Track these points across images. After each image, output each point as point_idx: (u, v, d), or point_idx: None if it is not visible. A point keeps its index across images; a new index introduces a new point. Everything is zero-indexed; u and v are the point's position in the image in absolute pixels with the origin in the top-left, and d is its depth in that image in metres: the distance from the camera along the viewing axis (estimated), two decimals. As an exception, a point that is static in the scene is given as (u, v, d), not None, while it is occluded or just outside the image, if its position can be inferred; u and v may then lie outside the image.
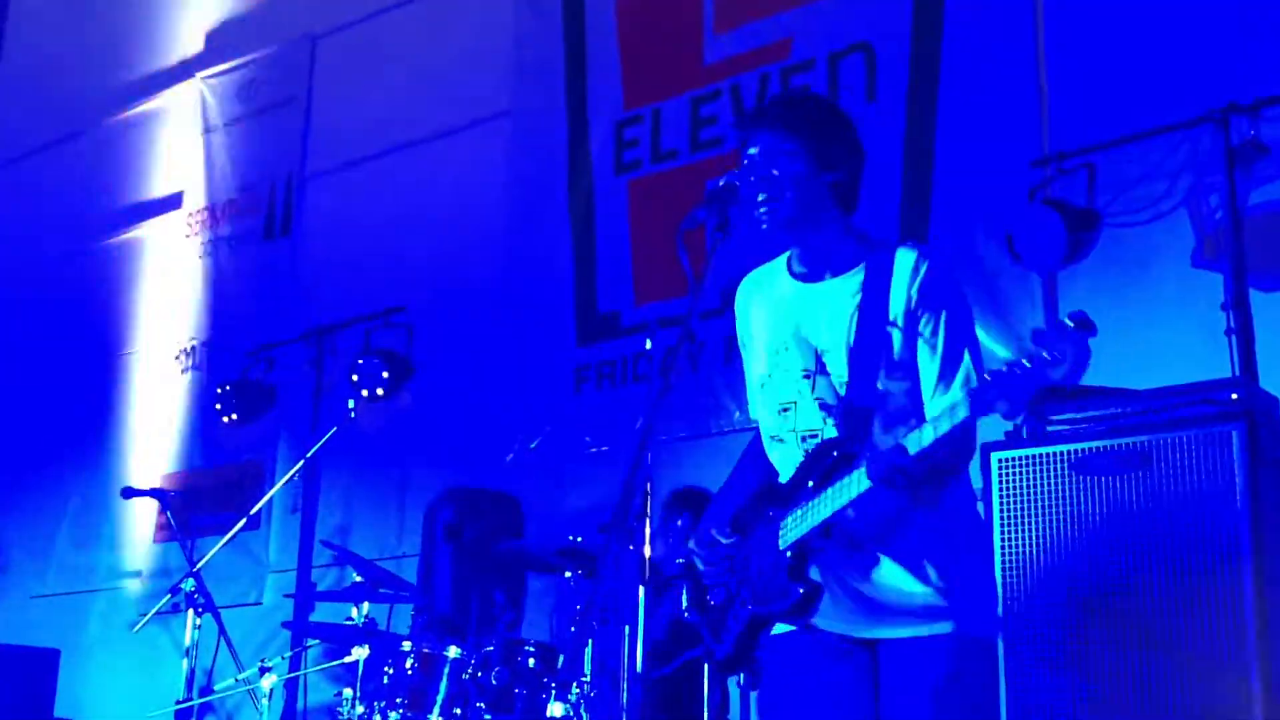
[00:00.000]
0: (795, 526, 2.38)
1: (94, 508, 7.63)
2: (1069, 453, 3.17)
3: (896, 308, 2.39)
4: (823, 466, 2.37)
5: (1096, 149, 4.48)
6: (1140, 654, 2.94)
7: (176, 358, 7.51)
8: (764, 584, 2.41)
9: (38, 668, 5.76)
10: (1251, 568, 2.86)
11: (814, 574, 2.36)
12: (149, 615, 4.75)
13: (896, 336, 2.38)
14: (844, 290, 2.46)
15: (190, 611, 4.71)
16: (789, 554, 2.36)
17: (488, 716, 4.04)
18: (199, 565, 4.77)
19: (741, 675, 3.18)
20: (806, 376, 2.47)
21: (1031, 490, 3.18)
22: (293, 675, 5.03)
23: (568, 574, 3.97)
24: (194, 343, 7.43)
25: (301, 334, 6.64)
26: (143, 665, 7.15)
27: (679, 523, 4.73)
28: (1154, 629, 2.94)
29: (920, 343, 2.37)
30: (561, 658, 4.03)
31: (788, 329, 2.51)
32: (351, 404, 4.85)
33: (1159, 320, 4.24)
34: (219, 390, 6.80)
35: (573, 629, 3.93)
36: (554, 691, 3.96)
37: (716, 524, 2.54)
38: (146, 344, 7.79)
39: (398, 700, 4.14)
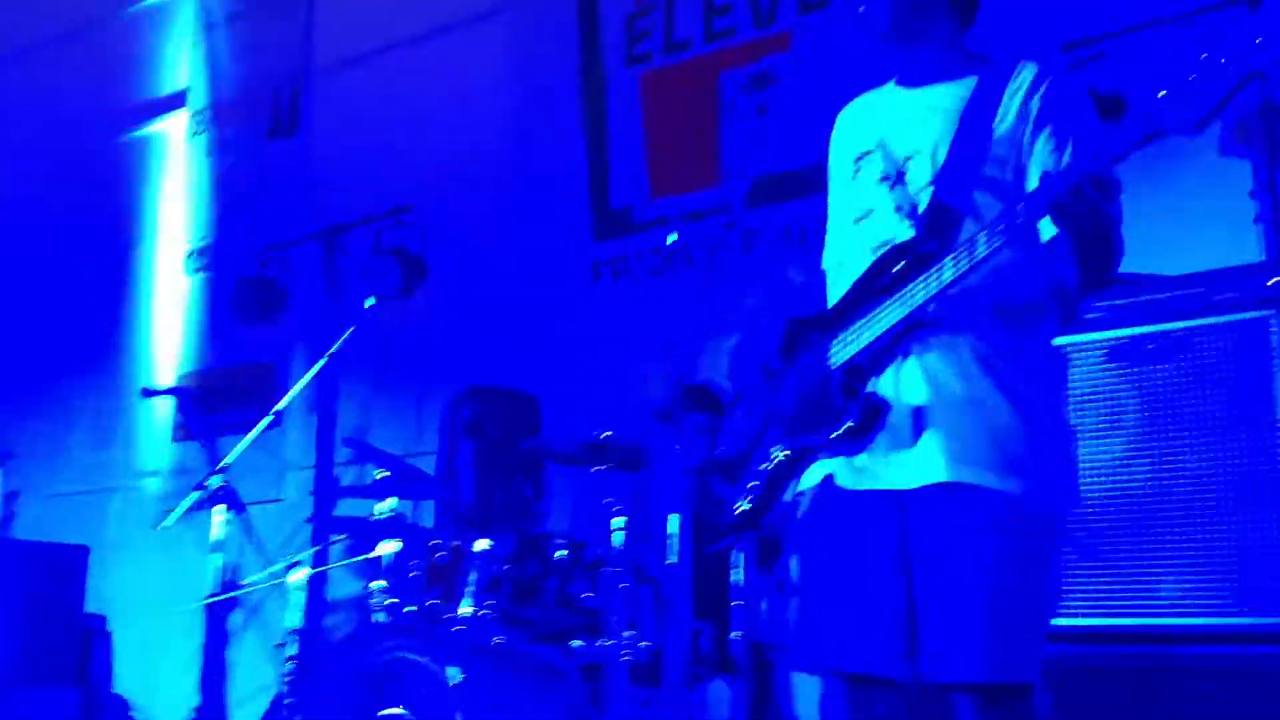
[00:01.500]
0: (853, 340, 2.22)
1: (110, 407, 7.67)
2: (1103, 341, 3.17)
3: (1007, 120, 2.20)
4: (893, 270, 2.20)
5: (1123, 33, 4.42)
6: (1179, 541, 2.96)
7: (187, 258, 7.49)
8: (809, 411, 2.25)
9: (67, 564, 5.81)
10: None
11: (873, 388, 2.19)
12: (179, 511, 4.78)
13: (1001, 148, 2.20)
14: (946, 96, 2.28)
15: (220, 507, 4.75)
16: (842, 372, 2.21)
17: (517, 609, 4.10)
18: (226, 461, 4.79)
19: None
20: (885, 181, 2.30)
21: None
22: (322, 569, 5.08)
23: (595, 468, 3.99)
24: (203, 243, 7.40)
25: (312, 234, 6.60)
26: (165, 563, 7.24)
27: (696, 419, 4.76)
28: (1192, 516, 2.96)
29: (1031, 160, 2.18)
30: (590, 550, 4.06)
31: (875, 134, 2.35)
32: (371, 301, 4.83)
33: (1186, 209, 4.22)
34: (230, 291, 6.79)
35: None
36: (585, 583, 4.03)
37: (761, 354, 2.38)
38: (157, 244, 7.75)
39: (429, 592, 4.18)
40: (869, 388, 2.20)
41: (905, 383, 2.21)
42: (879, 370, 2.21)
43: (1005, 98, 2.21)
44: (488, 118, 6.42)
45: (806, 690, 4.16)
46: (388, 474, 4.75)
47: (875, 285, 2.23)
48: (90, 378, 7.81)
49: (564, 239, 6.16)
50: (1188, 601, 2.93)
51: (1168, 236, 4.03)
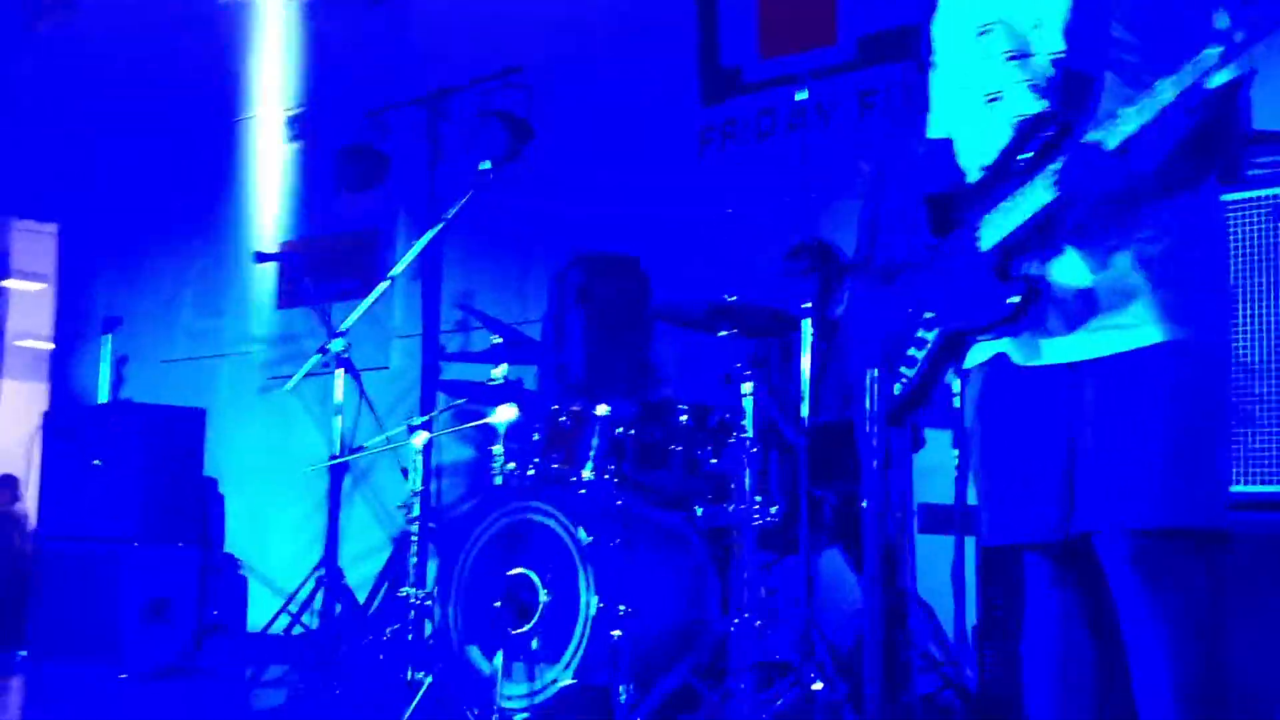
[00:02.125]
0: (1001, 220, 2.15)
1: (215, 274, 7.76)
2: (1268, 197, 3.03)
3: None
4: (1036, 144, 2.12)
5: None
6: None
7: (286, 125, 7.47)
8: (963, 295, 2.18)
9: (185, 427, 5.92)
10: None
11: (1030, 270, 2.13)
12: (300, 374, 4.82)
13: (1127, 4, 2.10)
14: None
15: (340, 372, 4.78)
16: (994, 254, 2.14)
17: (641, 474, 4.10)
18: (345, 325, 4.81)
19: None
20: (1012, 56, 2.21)
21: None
22: (442, 433, 5.12)
23: (722, 333, 3.94)
24: (301, 109, 7.37)
25: (414, 99, 6.52)
26: (274, 427, 7.39)
27: (804, 272, 4.67)
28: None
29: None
30: (715, 415, 4.04)
31: (993, 9, 2.25)
32: (487, 164, 4.76)
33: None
34: (332, 158, 6.76)
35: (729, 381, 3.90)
36: (711, 449, 4.01)
37: (916, 229, 2.29)
38: (260, 110, 7.73)
39: (551, 456, 4.20)
40: (1025, 269, 2.16)
41: (1065, 260, 2.16)
42: (1034, 250, 2.16)
43: None
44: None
45: (928, 561, 4.15)
46: (500, 340, 4.75)
47: (1016, 163, 2.16)
48: (196, 245, 7.89)
49: (672, 101, 6.03)
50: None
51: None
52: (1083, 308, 2.14)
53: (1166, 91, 1.96)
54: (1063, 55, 2.14)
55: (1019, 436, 2.24)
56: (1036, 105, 2.17)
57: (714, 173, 5.93)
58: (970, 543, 4.05)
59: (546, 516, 4.05)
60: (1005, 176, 2.16)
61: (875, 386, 2.04)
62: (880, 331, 2.31)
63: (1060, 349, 2.17)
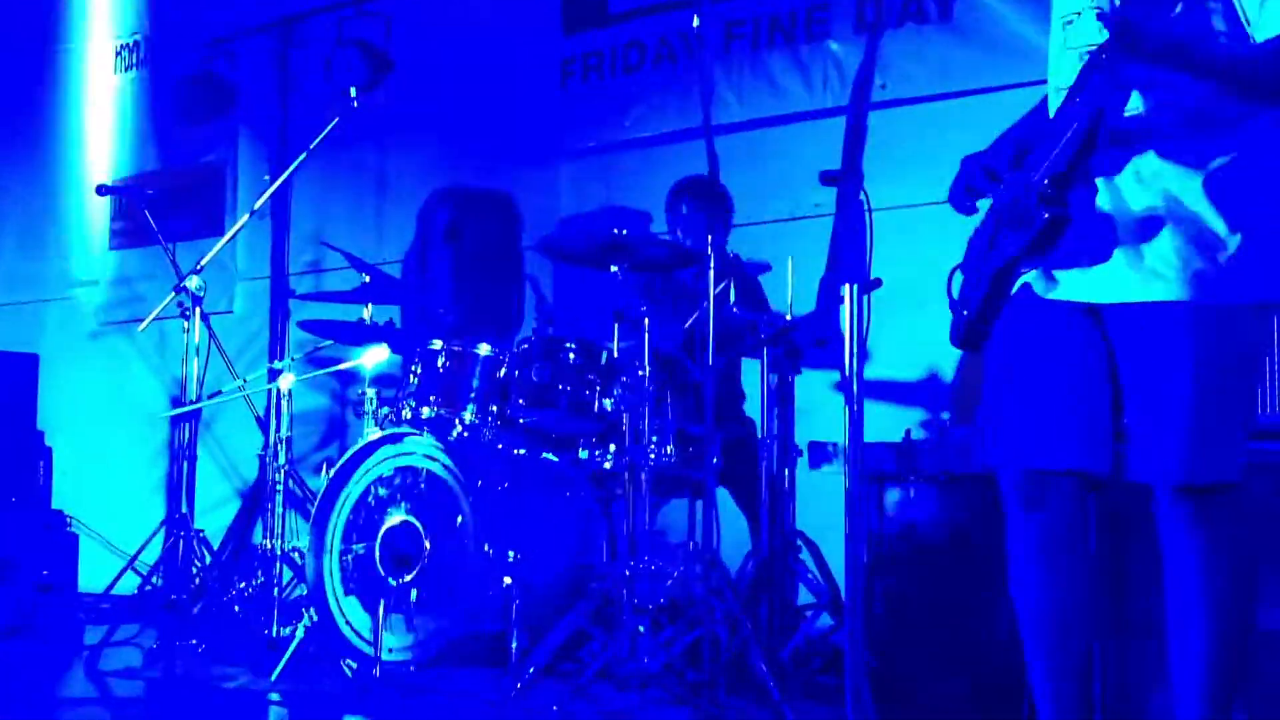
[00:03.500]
0: (1057, 149, 2.15)
1: (40, 214, 7.24)
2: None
3: None
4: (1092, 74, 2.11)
5: None
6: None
7: (119, 53, 6.98)
8: (1013, 219, 2.20)
9: (16, 373, 5.51)
10: None
11: (1070, 201, 2.13)
12: (151, 317, 4.51)
13: None
14: None
15: (196, 312, 4.48)
16: (1043, 179, 2.14)
17: (525, 416, 3.95)
18: (202, 263, 4.51)
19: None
20: None
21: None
22: (312, 374, 4.87)
23: (614, 268, 3.80)
24: (138, 37, 6.89)
25: (263, 25, 6.16)
26: (105, 376, 6.96)
27: (684, 210, 4.58)
28: None
29: None
30: (604, 354, 3.91)
31: None
32: (354, 91, 4.50)
33: None
34: (172, 88, 6.35)
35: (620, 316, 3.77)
36: (599, 387, 3.88)
37: (994, 161, 2.32)
38: (86, 37, 7.20)
39: (430, 399, 4.01)
40: (1068, 195, 2.16)
41: (1106, 194, 2.18)
42: (1079, 180, 2.15)
43: None
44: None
45: (817, 490, 4.12)
46: (369, 279, 4.52)
47: (1081, 87, 2.15)
48: (18, 181, 7.34)
49: (534, 32, 5.83)
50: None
51: None
52: (1110, 248, 2.15)
53: None
54: None
55: (1051, 368, 2.25)
56: (1101, 35, 2.14)
57: (578, 105, 5.76)
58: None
59: (428, 460, 3.87)
60: (1068, 109, 2.16)
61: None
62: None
63: (1080, 284, 2.20)
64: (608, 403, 3.82)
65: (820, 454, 4.03)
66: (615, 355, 3.88)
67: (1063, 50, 2.31)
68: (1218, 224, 2.12)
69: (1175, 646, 2.16)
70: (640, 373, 3.64)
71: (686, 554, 3.61)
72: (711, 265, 3.53)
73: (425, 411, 3.99)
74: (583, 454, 3.93)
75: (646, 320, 3.65)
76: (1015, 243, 2.21)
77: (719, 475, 4.12)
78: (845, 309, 2.00)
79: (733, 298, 3.88)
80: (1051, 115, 2.30)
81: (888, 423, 3.92)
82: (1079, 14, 2.26)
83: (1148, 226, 2.15)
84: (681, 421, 3.96)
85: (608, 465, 3.85)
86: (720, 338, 3.58)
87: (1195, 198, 2.13)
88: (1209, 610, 2.12)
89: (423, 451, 3.88)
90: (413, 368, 4.09)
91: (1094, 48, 2.15)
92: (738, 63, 5.34)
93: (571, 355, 3.90)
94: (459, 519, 3.80)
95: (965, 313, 2.35)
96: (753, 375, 4.20)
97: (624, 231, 3.75)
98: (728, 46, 5.39)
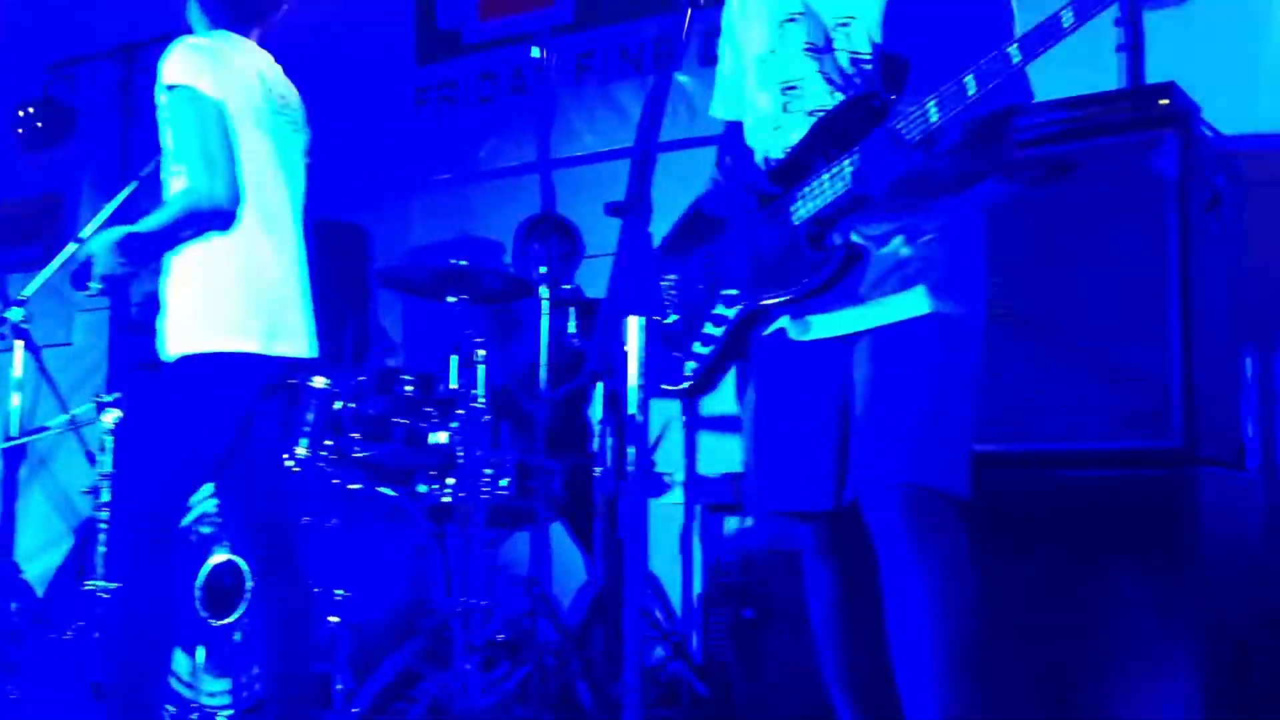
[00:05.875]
0: (814, 198, 2.18)
1: None
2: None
3: None
4: (847, 126, 2.14)
5: None
6: (1065, 361, 2.93)
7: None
8: (775, 268, 2.22)
9: None
10: (1178, 276, 2.86)
11: (841, 237, 2.17)
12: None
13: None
14: None
15: (19, 344, 4.29)
16: (808, 225, 2.18)
17: (360, 450, 3.85)
18: (26, 293, 4.32)
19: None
20: (810, 51, 2.23)
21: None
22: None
23: (451, 299, 3.73)
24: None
25: (105, 50, 5.97)
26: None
27: (532, 246, 4.55)
28: (1079, 335, 2.93)
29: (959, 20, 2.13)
30: (441, 386, 3.83)
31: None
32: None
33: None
34: (14, 113, 6.12)
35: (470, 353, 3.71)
36: (436, 420, 3.80)
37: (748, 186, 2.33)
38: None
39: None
40: (837, 238, 2.19)
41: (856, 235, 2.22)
42: (844, 222, 2.19)
43: None
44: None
45: (659, 526, 4.08)
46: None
47: (823, 143, 2.19)
48: None
49: (387, 61, 5.75)
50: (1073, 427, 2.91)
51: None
52: (858, 282, 2.18)
53: (972, 86, 1.99)
54: (879, 42, 2.17)
55: (794, 408, 2.28)
56: (832, 99, 2.20)
57: (431, 135, 5.69)
58: (699, 511, 4.00)
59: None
60: (810, 158, 2.20)
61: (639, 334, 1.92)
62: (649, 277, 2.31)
63: (834, 323, 2.22)
64: (444, 436, 3.74)
65: (657, 485, 4.00)
66: (452, 387, 3.80)
67: (772, 46, 2.31)
68: (944, 254, 2.19)
69: (900, 661, 2.11)
70: (475, 405, 3.56)
71: (522, 589, 3.54)
72: (546, 297, 3.49)
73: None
74: (421, 488, 3.85)
75: (483, 352, 3.57)
76: (779, 288, 2.22)
77: (558, 507, 4.07)
78: (629, 341, 1.96)
79: (572, 328, 3.83)
80: (760, 158, 2.33)
81: (727, 456, 3.90)
82: (802, 79, 2.27)
83: (889, 260, 2.18)
84: (523, 454, 3.89)
85: (445, 499, 3.76)
86: (560, 368, 3.53)
87: (931, 235, 2.20)
88: (934, 613, 2.06)
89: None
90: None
91: (823, 110, 2.21)
92: (588, 94, 5.32)
93: (409, 388, 3.81)
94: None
95: (685, 357, 2.36)
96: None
97: (462, 262, 3.68)
98: (579, 78, 5.38)
